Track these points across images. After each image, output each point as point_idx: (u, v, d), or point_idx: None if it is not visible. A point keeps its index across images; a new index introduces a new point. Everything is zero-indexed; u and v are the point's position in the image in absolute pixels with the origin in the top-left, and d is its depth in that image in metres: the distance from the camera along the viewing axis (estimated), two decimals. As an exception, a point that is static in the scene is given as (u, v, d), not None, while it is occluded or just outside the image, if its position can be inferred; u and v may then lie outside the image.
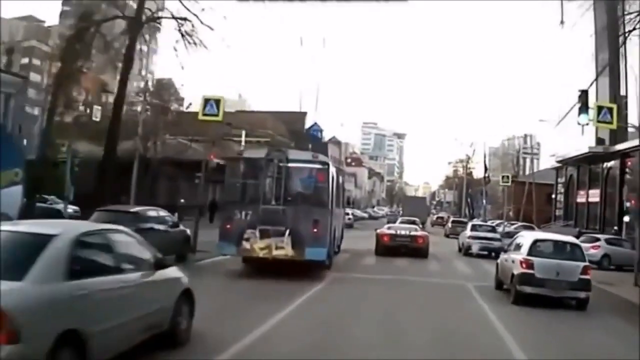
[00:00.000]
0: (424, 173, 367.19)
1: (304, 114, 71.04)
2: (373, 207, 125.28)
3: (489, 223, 39.55)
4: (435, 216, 78.07)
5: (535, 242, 14.48)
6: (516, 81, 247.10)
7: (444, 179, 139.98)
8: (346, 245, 25.16)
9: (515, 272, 13.94)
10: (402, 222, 32.72)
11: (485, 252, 26.99)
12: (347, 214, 46.88)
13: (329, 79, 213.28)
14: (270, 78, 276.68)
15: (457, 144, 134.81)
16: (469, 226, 31.41)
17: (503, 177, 42.91)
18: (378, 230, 26.64)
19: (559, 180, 57.61)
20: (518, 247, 15.02)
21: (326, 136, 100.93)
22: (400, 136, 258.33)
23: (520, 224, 48.49)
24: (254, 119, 59.42)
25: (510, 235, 26.65)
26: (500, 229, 39.01)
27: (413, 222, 32.05)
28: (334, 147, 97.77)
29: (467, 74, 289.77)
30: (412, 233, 25.63)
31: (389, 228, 27.15)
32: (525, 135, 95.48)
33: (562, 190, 54.94)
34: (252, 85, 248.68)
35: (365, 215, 79.60)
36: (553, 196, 60.09)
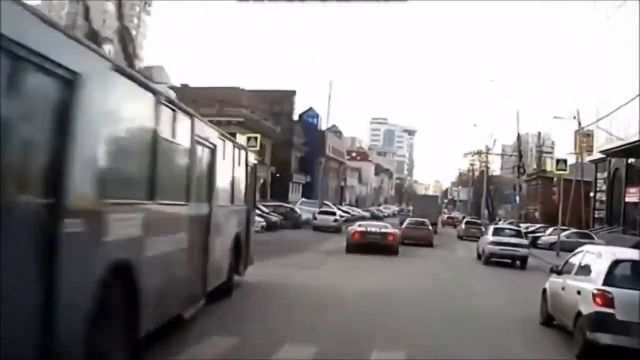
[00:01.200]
0: (434, 171, 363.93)
1: (292, 93, 60.26)
2: (379, 205, 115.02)
3: (513, 226, 34.52)
4: (446, 216, 73.95)
5: (616, 264, 9.48)
6: (529, 77, 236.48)
7: (457, 175, 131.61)
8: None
9: (584, 309, 9.26)
10: (410, 223, 32.71)
11: (509, 261, 24.27)
12: (333, 212, 37.64)
13: (338, 73, 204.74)
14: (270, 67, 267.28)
15: (476, 132, 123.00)
16: (490, 230, 27.11)
17: (558, 161, 31.93)
18: (349, 228, 26.42)
19: (599, 175, 48.75)
20: (585, 269, 10.16)
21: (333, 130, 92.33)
22: (410, 132, 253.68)
23: (573, 230, 40.00)
24: (224, 94, 49.12)
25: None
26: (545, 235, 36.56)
27: (422, 223, 32.18)
28: (334, 137, 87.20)
29: (480, 70, 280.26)
30: (383, 230, 25.36)
31: (359, 225, 26.62)
32: (539, 133, 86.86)
33: (604, 188, 47.13)
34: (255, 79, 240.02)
35: (367, 214, 69.27)
36: (591, 194, 49.77)
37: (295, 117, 73.15)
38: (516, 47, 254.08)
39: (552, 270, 11.91)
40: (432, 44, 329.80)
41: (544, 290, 11.95)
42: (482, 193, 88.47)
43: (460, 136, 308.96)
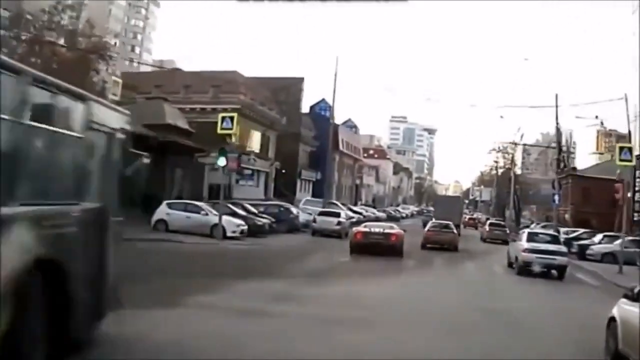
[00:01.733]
0: (454, 171, 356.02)
1: (299, 80, 55.16)
2: (398, 205, 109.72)
3: (550, 231, 31.01)
4: (468, 217, 70.59)
5: None
6: (551, 77, 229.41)
7: (478, 175, 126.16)
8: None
9: None
10: (434, 226, 31.35)
11: (545, 270, 21.54)
12: (337, 214, 32.82)
13: (357, 70, 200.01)
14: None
15: (499, 128, 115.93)
16: (524, 235, 23.75)
17: (621, 149, 25.09)
18: (353, 229, 26.30)
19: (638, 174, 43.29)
20: None
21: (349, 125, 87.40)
22: (430, 132, 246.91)
23: (630, 237, 34.31)
24: (221, 79, 44.28)
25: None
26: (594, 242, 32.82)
27: (446, 226, 30.66)
28: (349, 132, 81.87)
29: (501, 71, 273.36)
30: (386, 231, 24.93)
31: (364, 226, 26.25)
32: (559, 130, 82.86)
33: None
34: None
35: (382, 214, 64.08)
36: (629, 195, 44.18)
37: (305, 109, 68.07)
38: (541, 41, 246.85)
39: (627, 297, 9.18)
40: (453, 41, 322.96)
41: (611, 321, 9.49)
42: (506, 193, 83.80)
43: (483, 134, 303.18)
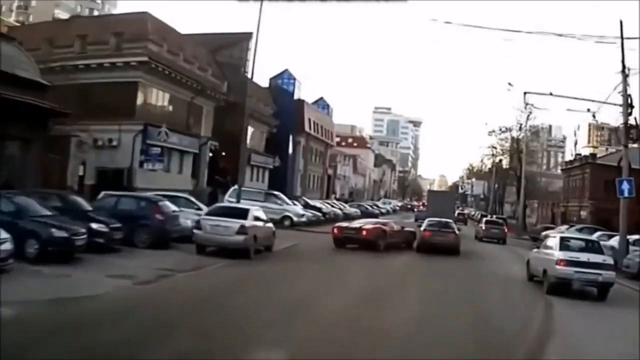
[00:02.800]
0: (439, 166, 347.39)
1: (247, 35, 41.59)
2: (379, 199, 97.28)
3: (586, 236, 24.26)
4: (457, 212, 63.61)
5: None
6: (540, 71, 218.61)
7: (467, 168, 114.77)
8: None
9: None
10: (431, 225, 26.44)
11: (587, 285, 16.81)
12: (243, 214, 18.11)
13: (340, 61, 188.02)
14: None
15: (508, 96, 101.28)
16: (555, 241, 17.78)
17: None
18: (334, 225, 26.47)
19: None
20: None
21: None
22: (416, 124, 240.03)
23: None
24: (124, 25, 31.80)
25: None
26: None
27: (446, 225, 26.63)
28: (318, 111, 68.62)
29: (488, 63, 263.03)
30: (361, 226, 24.88)
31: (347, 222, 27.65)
32: (550, 127, 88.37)
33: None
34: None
35: (356, 211, 51.20)
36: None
37: (262, 80, 54.87)
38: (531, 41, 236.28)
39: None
40: (438, 32, 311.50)
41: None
42: (501, 186, 72.84)
43: (470, 128, 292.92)
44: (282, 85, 59.42)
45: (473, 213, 79.98)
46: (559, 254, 16.44)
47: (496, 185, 72.52)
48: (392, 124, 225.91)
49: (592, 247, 17.30)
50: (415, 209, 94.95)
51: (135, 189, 27.68)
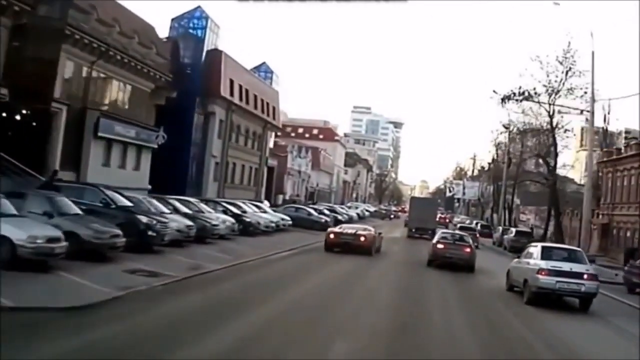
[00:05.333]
0: (421, 171, 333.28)
1: None
2: (343, 203, 78.73)
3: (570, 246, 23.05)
4: (439, 216, 63.44)
5: None
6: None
7: (456, 168, 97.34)
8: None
9: None
10: (444, 238, 24.36)
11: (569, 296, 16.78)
12: None
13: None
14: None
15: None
16: (536, 250, 17.64)
17: None
18: (328, 229, 27.11)
19: None
20: None
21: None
22: (397, 125, 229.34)
23: None
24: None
25: None
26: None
27: (461, 239, 24.41)
28: (246, 74, 48.37)
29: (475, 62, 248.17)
30: (357, 232, 25.34)
31: (340, 227, 26.97)
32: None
33: None
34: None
35: (300, 213, 32.06)
36: None
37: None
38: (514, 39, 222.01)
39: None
40: (421, 32, 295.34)
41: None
42: (497, 188, 55.25)
43: (454, 132, 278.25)
44: (189, 29, 39.68)
45: (461, 220, 62.64)
46: (540, 263, 16.22)
47: (498, 184, 54.07)
48: (371, 124, 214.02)
49: (575, 256, 17.07)
50: (392, 216, 78.78)
51: None
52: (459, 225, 49.00)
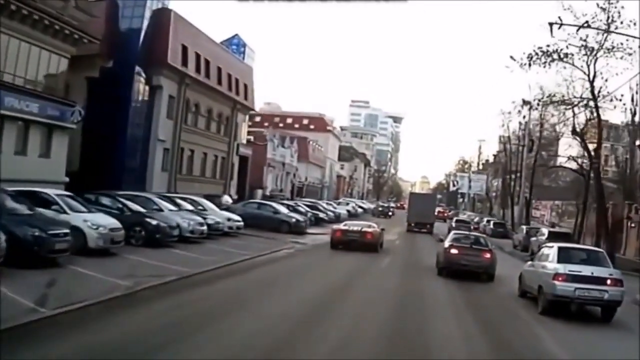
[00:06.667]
0: (421, 168, 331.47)
1: None
2: (338, 200, 71.05)
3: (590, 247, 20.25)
4: (437, 210, 59.30)
5: None
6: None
7: (459, 161, 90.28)
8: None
9: None
10: (459, 239, 20.77)
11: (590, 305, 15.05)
12: None
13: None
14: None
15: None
16: (552, 252, 15.58)
17: None
18: (334, 226, 27.32)
19: None
20: None
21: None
22: (396, 119, 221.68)
23: None
24: None
25: None
26: None
27: (477, 241, 20.67)
28: (208, 43, 40.20)
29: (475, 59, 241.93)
30: (363, 229, 25.38)
31: (344, 225, 27.15)
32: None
33: None
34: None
35: (263, 210, 24.20)
36: None
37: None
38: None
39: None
40: (424, 31, 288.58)
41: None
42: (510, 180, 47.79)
43: (452, 128, 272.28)
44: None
45: (477, 219, 55.88)
46: (557, 267, 14.39)
47: (513, 175, 46.31)
48: (369, 118, 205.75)
49: (596, 258, 15.21)
50: (390, 213, 71.62)
51: None
52: (455, 219, 49.69)
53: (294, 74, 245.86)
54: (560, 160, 39.62)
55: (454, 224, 41.52)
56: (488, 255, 19.37)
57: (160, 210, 18.57)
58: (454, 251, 19.38)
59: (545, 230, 28.23)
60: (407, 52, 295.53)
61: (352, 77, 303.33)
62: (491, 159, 75.79)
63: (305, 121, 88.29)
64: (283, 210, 29.80)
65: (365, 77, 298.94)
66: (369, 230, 24.89)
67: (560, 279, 14.02)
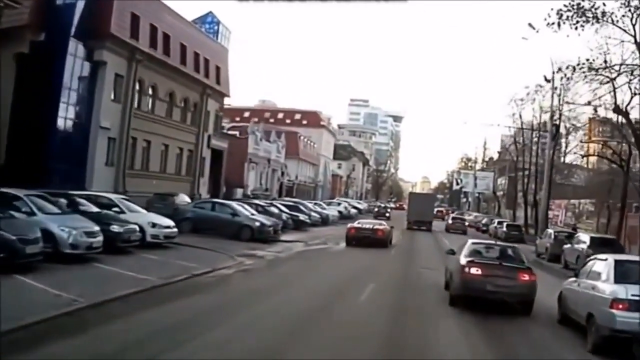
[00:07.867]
0: (422, 168, 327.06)
1: None
2: (330, 200, 65.71)
3: None
4: (436, 210, 60.00)
5: None
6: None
7: (462, 158, 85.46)
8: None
9: None
10: (477, 252, 14.65)
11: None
12: None
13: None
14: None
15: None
16: (607, 266, 11.50)
17: None
18: (348, 225, 29.13)
19: None
20: None
21: None
22: (396, 118, 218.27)
23: None
24: None
25: None
26: None
27: (504, 253, 14.61)
28: (172, 18, 34.53)
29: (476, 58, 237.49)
30: (375, 227, 27.95)
31: (358, 222, 29.75)
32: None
33: None
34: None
35: (219, 212, 18.73)
36: None
37: None
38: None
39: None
40: (426, 30, 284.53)
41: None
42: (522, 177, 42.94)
43: (451, 127, 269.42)
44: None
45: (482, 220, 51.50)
46: (615, 290, 10.58)
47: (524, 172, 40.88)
48: (369, 117, 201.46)
49: None
50: (388, 213, 66.60)
51: None
52: (451, 216, 51.55)
53: (294, 74, 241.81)
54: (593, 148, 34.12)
55: (450, 221, 46.82)
56: (526, 277, 13.22)
57: (33, 213, 12.72)
58: (474, 271, 13.15)
59: (585, 237, 22.47)
60: (407, 51, 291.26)
61: (351, 76, 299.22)
62: (495, 157, 71.70)
63: (298, 116, 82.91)
64: (244, 212, 23.69)
65: (365, 76, 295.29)
66: (380, 227, 27.68)
67: (620, 306, 10.37)
